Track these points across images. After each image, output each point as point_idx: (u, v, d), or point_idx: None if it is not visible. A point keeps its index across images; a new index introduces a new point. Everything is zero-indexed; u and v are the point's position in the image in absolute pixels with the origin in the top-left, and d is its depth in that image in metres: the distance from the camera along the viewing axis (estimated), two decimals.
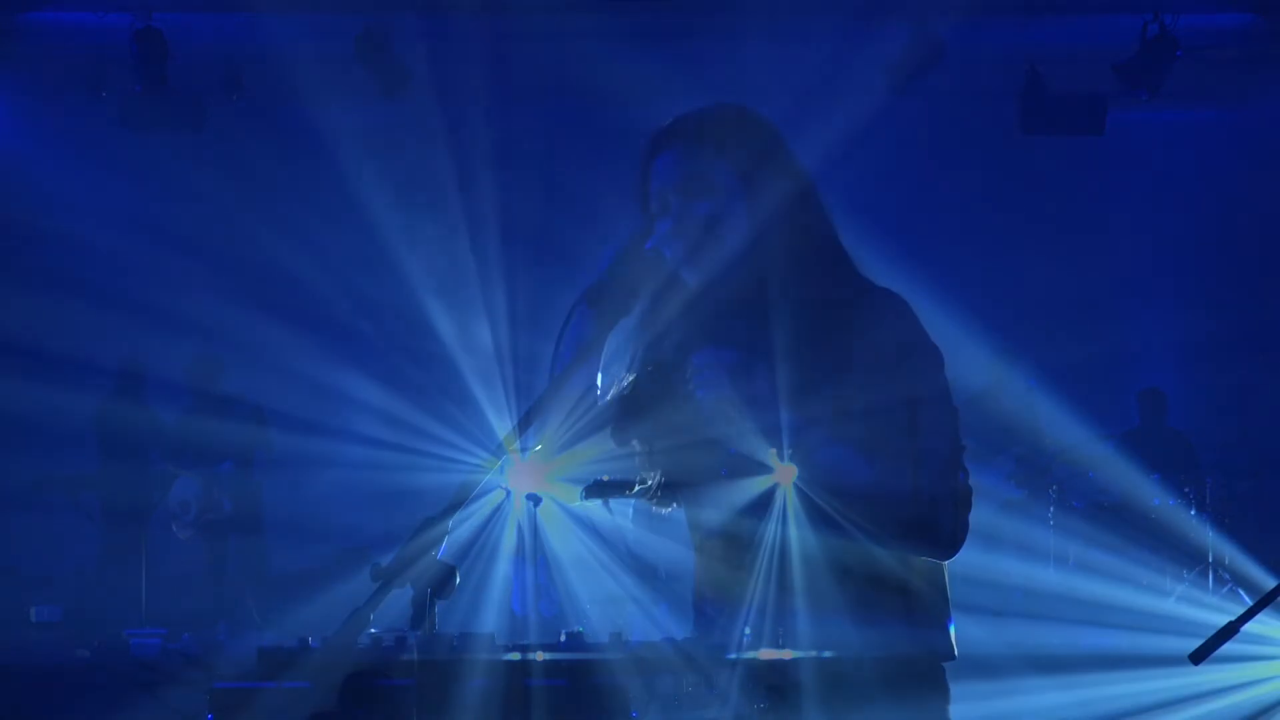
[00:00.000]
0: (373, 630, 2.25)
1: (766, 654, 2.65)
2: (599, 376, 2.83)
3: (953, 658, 2.81)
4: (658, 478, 2.84)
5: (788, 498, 2.72)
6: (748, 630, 2.73)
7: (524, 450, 2.47)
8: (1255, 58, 9.24)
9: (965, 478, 2.74)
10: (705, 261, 2.76)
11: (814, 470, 2.67)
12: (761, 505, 2.73)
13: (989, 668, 6.64)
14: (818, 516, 2.71)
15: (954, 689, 2.81)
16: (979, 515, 2.78)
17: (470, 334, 8.77)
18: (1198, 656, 3.29)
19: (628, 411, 2.82)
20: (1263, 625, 7.20)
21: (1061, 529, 8.72)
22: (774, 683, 2.53)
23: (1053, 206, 10.19)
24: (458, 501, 2.35)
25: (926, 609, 2.80)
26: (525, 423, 2.48)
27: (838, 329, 2.74)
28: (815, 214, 2.83)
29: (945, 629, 2.82)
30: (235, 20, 8.75)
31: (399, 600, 2.28)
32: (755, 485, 2.73)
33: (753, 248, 2.78)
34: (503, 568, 7.21)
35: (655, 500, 2.86)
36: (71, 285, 9.10)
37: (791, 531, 2.73)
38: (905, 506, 2.68)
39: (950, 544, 2.74)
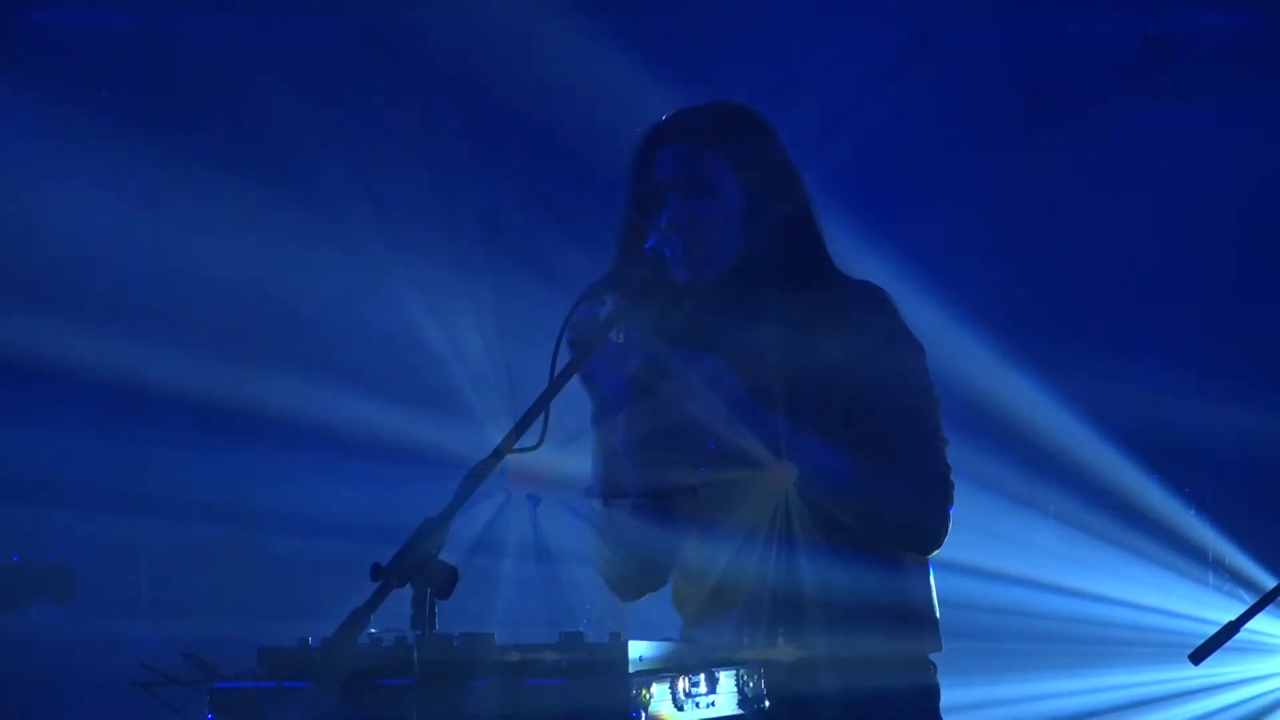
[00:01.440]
0: (373, 630, 2.25)
1: (762, 654, 2.65)
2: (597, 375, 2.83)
3: (940, 649, 2.82)
4: (636, 476, 2.85)
5: (774, 494, 2.72)
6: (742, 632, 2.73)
7: (523, 451, 2.48)
8: (1255, 57, 9.23)
9: (948, 472, 2.75)
10: (698, 259, 2.77)
11: (798, 467, 2.68)
12: (743, 501, 2.74)
13: (987, 658, 6.68)
14: (803, 512, 2.72)
15: (952, 679, 2.82)
16: (981, 511, 2.82)
17: (466, 334, 8.75)
18: (1198, 656, 3.30)
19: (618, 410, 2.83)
20: (1263, 625, 7.21)
21: (1062, 526, 8.72)
22: (770, 681, 2.54)
23: (1053, 205, 10.18)
24: (458, 502, 2.35)
25: (916, 602, 2.81)
26: (524, 423, 2.48)
27: (820, 325, 2.75)
28: (804, 214, 2.84)
29: (934, 622, 2.83)
30: (234, 21, 8.74)
31: (399, 600, 2.28)
32: (735, 480, 2.73)
33: (745, 246, 2.79)
34: (504, 567, 7.20)
35: (642, 499, 2.87)
36: (69, 286, 9.07)
37: (776, 526, 2.74)
38: (889, 501, 2.69)
39: (934, 539, 2.75)
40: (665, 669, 2.24)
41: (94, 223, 9.10)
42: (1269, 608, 3.44)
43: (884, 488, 2.67)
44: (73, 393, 8.66)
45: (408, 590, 2.25)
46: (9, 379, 8.56)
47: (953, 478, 2.75)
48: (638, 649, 2.24)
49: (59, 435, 8.79)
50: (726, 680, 2.34)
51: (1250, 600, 6.18)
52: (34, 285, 8.86)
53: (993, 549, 7.87)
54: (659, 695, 2.20)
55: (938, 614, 2.83)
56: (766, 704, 2.35)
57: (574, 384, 2.67)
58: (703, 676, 2.29)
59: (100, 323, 8.76)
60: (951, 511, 2.74)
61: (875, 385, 2.72)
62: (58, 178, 8.99)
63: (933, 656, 2.84)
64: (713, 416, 2.69)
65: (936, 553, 2.83)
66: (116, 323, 8.83)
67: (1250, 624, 3.41)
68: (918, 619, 2.79)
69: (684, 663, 2.28)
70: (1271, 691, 7.24)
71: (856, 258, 2.88)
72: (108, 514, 8.77)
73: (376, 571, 2.25)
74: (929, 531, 2.73)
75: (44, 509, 8.45)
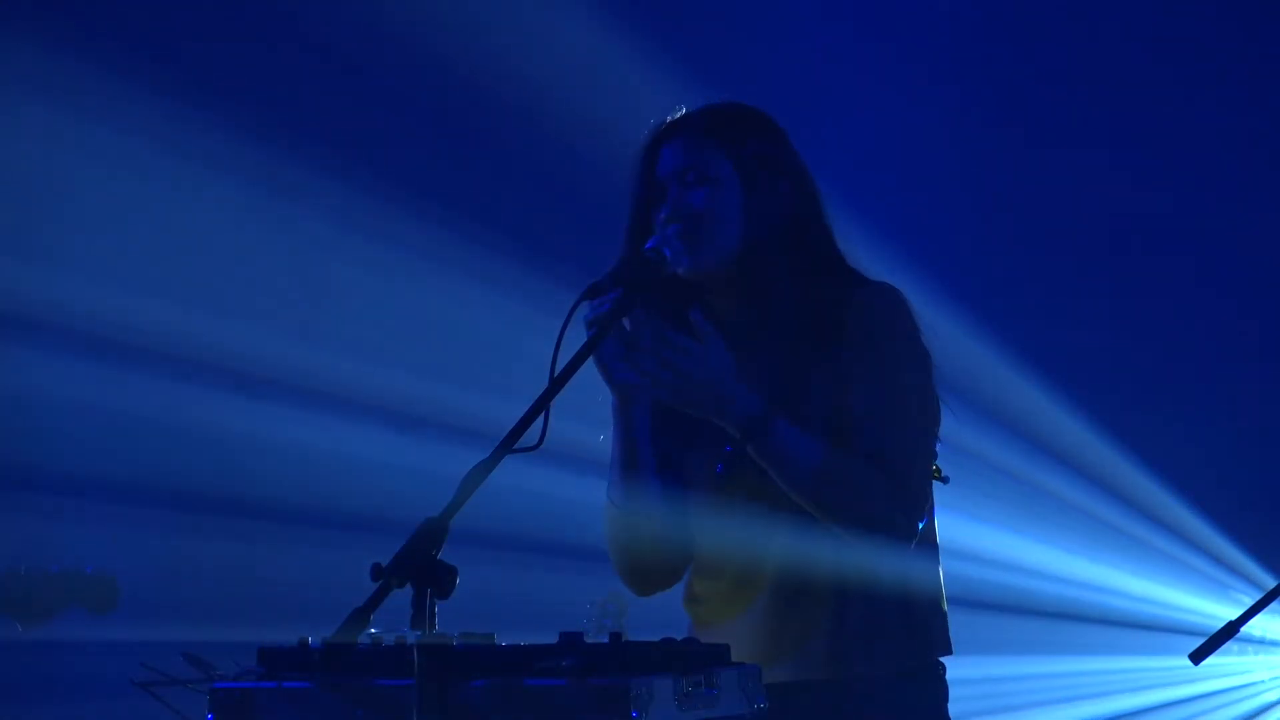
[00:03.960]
0: (373, 630, 2.25)
1: (765, 655, 2.65)
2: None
3: (950, 652, 2.82)
4: (654, 471, 2.84)
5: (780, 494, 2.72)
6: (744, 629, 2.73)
7: (524, 450, 2.47)
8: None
9: (926, 484, 2.73)
10: (697, 250, 2.77)
11: (773, 459, 2.67)
12: (758, 501, 2.74)
13: (987, 647, 6.73)
14: (808, 514, 2.72)
15: (957, 657, 2.82)
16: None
17: (466, 334, 8.75)
18: (1198, 656, 3.30)
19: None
20: (1263, 624, 7.23)
21: (1066, 521, 8.74)
22: (774, 682, 2.54)
23: (1061, 202, 10.17)
24: (459, 501, 2.35)
25: (924, 605, 2.81)
26: (525, 422, 2.48)
27: (826, 321, 2.75)
28: (811, 209, 2.84)
29: (943, 625, 2.83)
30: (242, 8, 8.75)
31: (399, 600, 2.28)
32: (749, 480, 2.73)
33: (745, 238, 2.79)
34: (505, 565, 7.20)
35: (660, 494, 2.86)
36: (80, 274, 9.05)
37: (784, 528, 2.74)
38: (851, 500, 2.68)
39: (894, 542, 2.73)
40: (664, 669, 2.24)
41: (106, 209, 9.08)
42: (1269, 607, 3.44)
43: (849, 486, 2.66)
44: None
45: (408, 590, 2.25)
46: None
47: (930, 491, 2.74)
48: (638, 649, 2.24)
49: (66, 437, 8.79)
50: (727, 679, 2.33)
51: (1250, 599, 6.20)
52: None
53: (999, 531, 7.92)
54: (660, 695, 2.20)
55: (947, 619, 2.82)
56: (763, 704, 2.35)
57: (574, 384, 2.67)
58: (701, 676, 2.29)
59: (103, 323, 8.76)
60: (920, 525, 2.73)
61: (870, 385, 2.71)
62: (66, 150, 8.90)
63: (942, 659, 2.84)
64: (690, 389, 2.66)
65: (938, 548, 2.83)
66: (118, 319, 8.83)
67: (1250, 623, 3.42)
68: (926, 625, 2.78)
69: (683, 662, 2.28)
70: (1271, 690, 7.26)
71: (876, 259, 2.88)
72: (122, 515, 8.76)
73: (376, 571, 2.25)
74: (888, 538, 2.71)
75: (71, 512, 8.45)
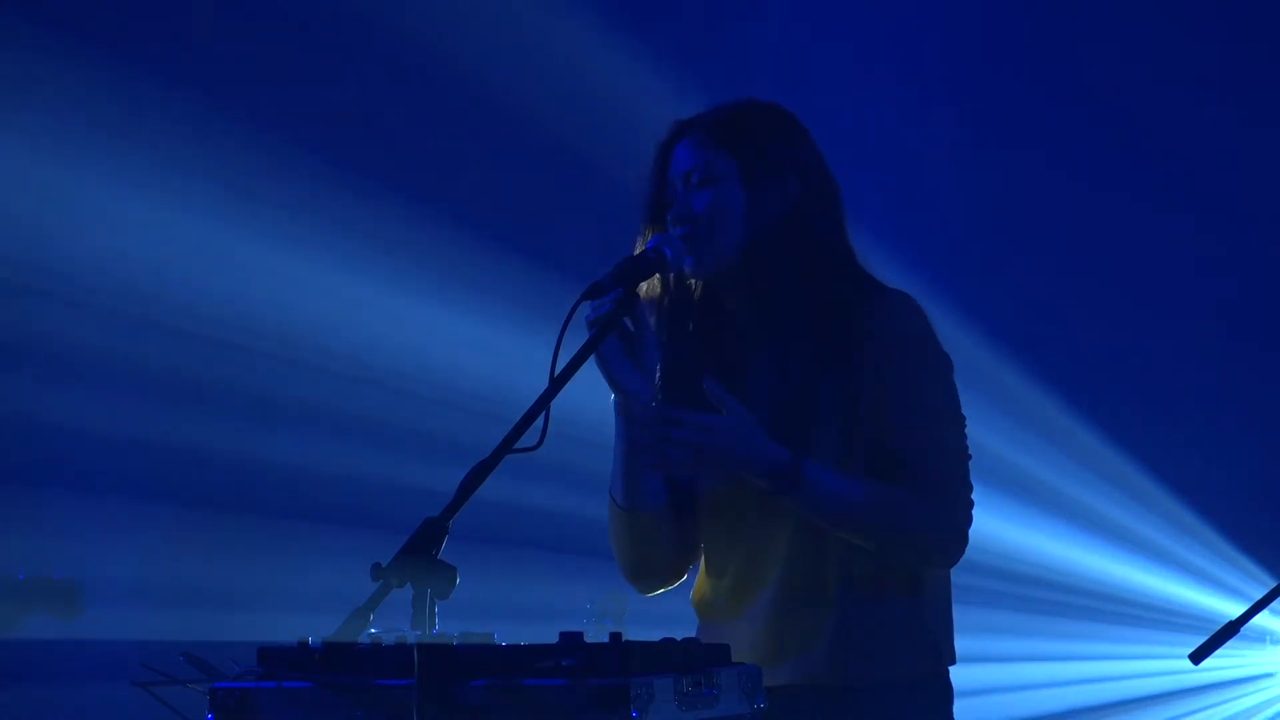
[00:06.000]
0: (373, 630, 2.25)
1: (768, 656, 2.65)
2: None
3: (954, 661, 2.81)
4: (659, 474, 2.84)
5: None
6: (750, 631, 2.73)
7: (524, 451, 2.47)
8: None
9: (969, 491, 2.73)
10: (700, 253, 2.77)
11: (810, 507, 2.66)
12: (761, 499, 2.73)
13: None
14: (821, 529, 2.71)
15: (967, 634, 2.82)
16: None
17: (467, 332, 8.75)
18: (1198, 656, 3.30)
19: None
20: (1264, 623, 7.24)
21: (1067, 518, 8.75)
22: (776, 684, 2.54)
23: (1063, 201, 10.16)
24: (459, 501, 2.35)
25: (932, 612, 2.80)
26: (525, 422, 2.48)
27: (840, 328, 2.73)
28: (822, 211, 2.82)
29: (949, 633, 2.82)
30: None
31: (399, 600, 2.28)
32: (758, 495, 2.72)
33: (749, 240, 2.78)
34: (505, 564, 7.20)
35: (666, 496, 2.85)
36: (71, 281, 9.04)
37: (793, 537, 2.73)
38: (902, 529, 2.67)
39: (947, 561, 2.73)
40: (665, 669, 2.24)
41: (101, 221, 9.09)
42: (1268, 607, 3.44)
43: (893, 517, 2.65)
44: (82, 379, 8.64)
45: (408, 590, 2.25)
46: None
47: (973, 496, 2.73)
48: (638, 648, 2.24)
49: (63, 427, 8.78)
50: (727, 679, 2.33)
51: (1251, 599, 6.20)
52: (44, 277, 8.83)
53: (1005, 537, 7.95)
54: (660, 695, 2.20)
55: (953, 627, 2.82)
56: (763, 704, 2.35)
57: (574, 384, 2.66)
58: (702, 676, 2.29)
59: (101, 315, 8.75)
60: (969, 530, 2.73)
61: (899, 399, 2.69)
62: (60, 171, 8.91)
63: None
64: (714, 462, 2.65)
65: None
66: (116, 316, 8.82)
67: (1250, 622, 3.42)
68: (933, 632, 2.77)
69: (683, 662, 2.28)
70: (1272, 688, 7.27)
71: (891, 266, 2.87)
72: (114, 506, 8.76)
73: (376, 571, 2.25)
74: (942, 556, 2.71)
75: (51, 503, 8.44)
